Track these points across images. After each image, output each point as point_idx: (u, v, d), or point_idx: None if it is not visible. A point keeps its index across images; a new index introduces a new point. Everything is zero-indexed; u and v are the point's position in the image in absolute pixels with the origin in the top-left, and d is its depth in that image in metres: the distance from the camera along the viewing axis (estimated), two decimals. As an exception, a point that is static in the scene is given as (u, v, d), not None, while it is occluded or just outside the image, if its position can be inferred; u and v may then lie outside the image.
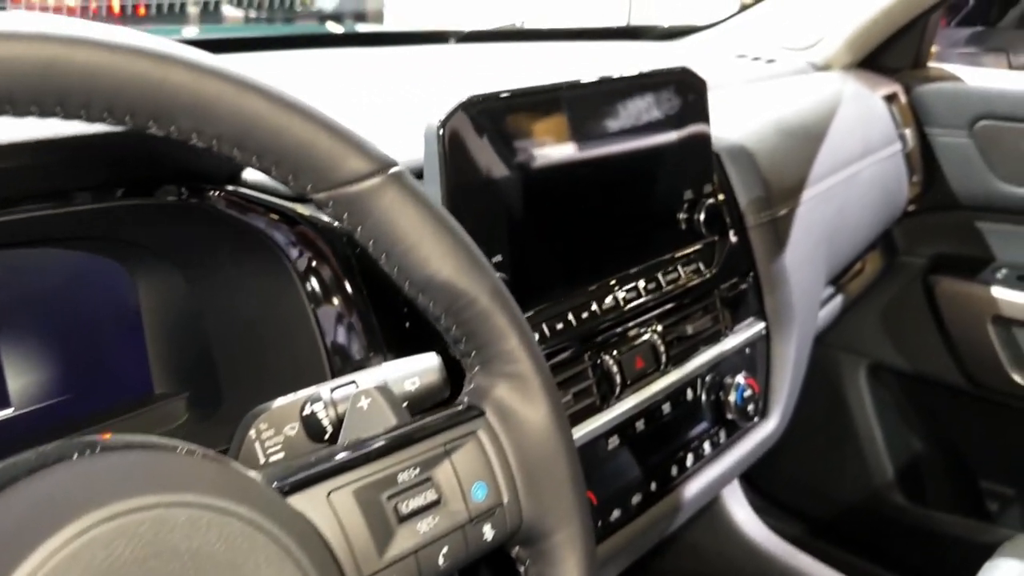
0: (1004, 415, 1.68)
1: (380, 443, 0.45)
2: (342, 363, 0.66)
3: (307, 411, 0.56)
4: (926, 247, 1.73)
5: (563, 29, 1.76)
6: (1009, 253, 1.65)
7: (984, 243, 1.67)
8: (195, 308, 0.70)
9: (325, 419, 0.56)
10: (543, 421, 0.48)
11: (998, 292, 1.59)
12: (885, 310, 1.78)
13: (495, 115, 0.69)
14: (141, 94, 0.37)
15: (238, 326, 0.69)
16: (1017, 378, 1.60)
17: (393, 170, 0.45)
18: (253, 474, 0.42)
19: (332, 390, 0.57)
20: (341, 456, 0.44)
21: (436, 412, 0.49)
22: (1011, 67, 1.87)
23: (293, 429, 0.57)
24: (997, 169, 1.60)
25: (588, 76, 0.79)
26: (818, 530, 1.92)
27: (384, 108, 0.93)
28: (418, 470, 0.45)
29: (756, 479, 1.99)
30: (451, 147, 0.66)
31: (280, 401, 0.57)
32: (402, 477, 0.44)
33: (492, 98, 0.69)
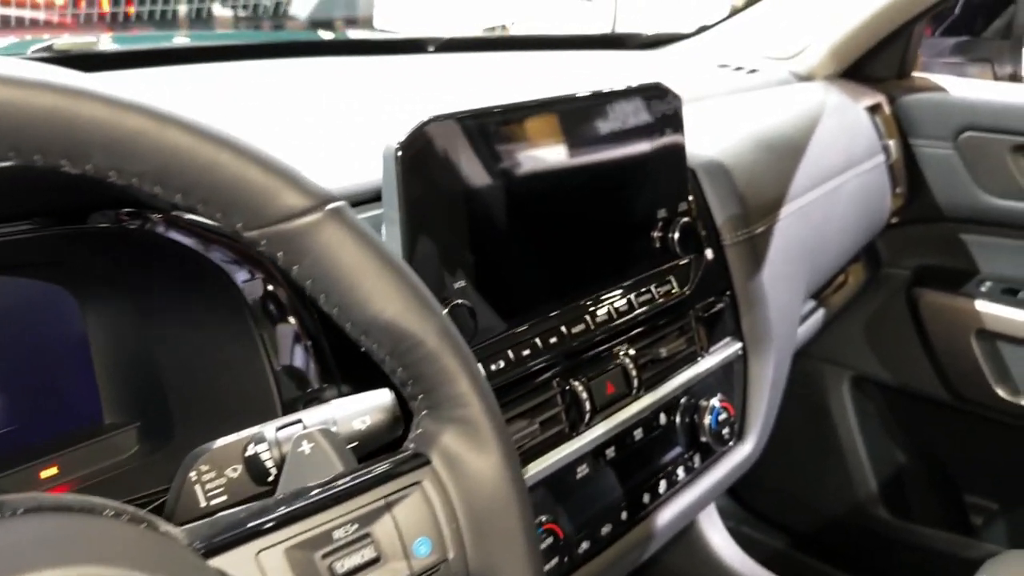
0: (988, 429, 1.67)
1: (316, 497, 0.43)
2: (294, 394, 0.63)
3: (250, 452, 0.54)
4: (910, 259, 1.71)
5: (543, 37, 1.73)
6: (993, 266, 1.64)
7: (968, 255, 1.66)
8: (144, 335, 0.68)
9: (269, 460, 0.54)
10: (493, 469, 0.46)
11: (982, 306, 1.57)
12: (869, 322, 1.76)
13: (456, 136, 0.67)
14: (51, 131, 0.34)
15: (188, 354, 0.66)
16: (1001, 392, 1.58)
17: (331, 205, 0.43)
18: (177, 533, 0.39)
19: (277, 430, 0.55)
20: (273, 511, 0.41)
21: (381, 459, 0.46)
22: (996, 78, 1.85)
23: (236, 471, 0.54)
24: (981, 181, 1.58)
25: (557, 94, 0.77)
26: (802, 543, 1.90)
27: (349, 126, 0.91)
28: (356, 526, 0.42)
29: (740, 492, 1.98)
30: (410, 169, 0.63)
31: (222, 441, 0.55)
32: (338, 534, 0.42)
33: (453, 118, 0.66)
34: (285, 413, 0.64)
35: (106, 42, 1.38)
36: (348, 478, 0.44)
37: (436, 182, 0.65)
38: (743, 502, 1.98)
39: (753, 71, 1.50)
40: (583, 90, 0.80)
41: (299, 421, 0.55)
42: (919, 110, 1.62)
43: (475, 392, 0.46)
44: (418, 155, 0.64)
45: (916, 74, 1.71)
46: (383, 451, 0.50)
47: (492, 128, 0.69)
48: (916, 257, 1.70)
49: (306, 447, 0.48)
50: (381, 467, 0.45)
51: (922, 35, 1.69)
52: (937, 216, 1.64)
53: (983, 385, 1.60)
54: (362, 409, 0.55)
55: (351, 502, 0.43)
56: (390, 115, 0.90)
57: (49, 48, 1.08)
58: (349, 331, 0.45)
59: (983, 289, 1.60)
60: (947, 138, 1.60)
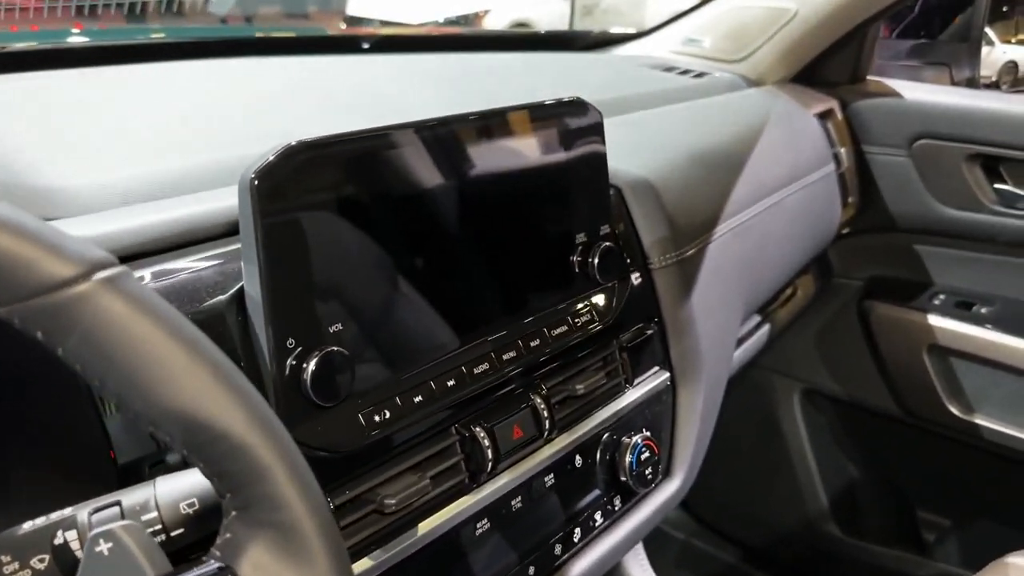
0: (940, 445, 1.62)
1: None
2: (133, 457, 0.55)
3: (59, 540, 0.47)
4: (862, 270, 1.66)
5: (485, 36, 1.66)
6: (947, 278, 1.59)
7: (922, 267, 1.61)
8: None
9: (79, 551, 0.46)
10: None
11: (935, 320, 1.52)
12: (819, 334, 1.71)
13: (328, 163, 0.59)
14: None
15: (22, 413, 0.59)
16: (954, 409, 1.54)
17: (102, 274, 0.35)
18: None
19: (91, 513, 0.47)
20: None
21: (179, 570, 0.39)
22: (953, 82, 1.80)
23: (43, 561, 0.47)
24: (936, 191, 1.53)
25: (459, 112, 0.70)
26: (752, 558, 1.86)
27: (250, 137, 0.83)
28: None
29: (690, 504, 1.93)
30: (269, 201, 0.56)
31: (28, 526, 0.47)
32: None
33: (322, 144, 0.59)
34: (123, 482, 0.56)
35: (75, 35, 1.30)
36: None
37: (303, 214, 0.58)
38: (693, 514, 1.93)
39: (700, 75, 1.44)
40: (489, 107, 0.72)
41: (117, 503, 0.48)
42: (873, 116, 1.56)
43: (294, 491, 0.39)
44: (280, 184, 0.56)
45: (871, 78, 1.66)
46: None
47: (374, 153, 0.62)
48: (868, 268, 1.65)
49: (103, 547, 0.41)
50: (173, 583, 0.37)
51: (877, 38, 1.64)
52: (890, 226, 1.59)
53: (935, 401, 1.55)
54: (191, 490, 0.48)
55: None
56: (296, 127, 0.82)
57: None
58: (138, 423, 0.37)
59: (936, 303, 1.56)
60: (901, 145, 1.54)
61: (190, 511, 0.47)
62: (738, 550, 1.87)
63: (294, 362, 0.58)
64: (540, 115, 0.76)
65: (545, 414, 0.77)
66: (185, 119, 0.88)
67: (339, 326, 0.60)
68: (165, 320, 0.36)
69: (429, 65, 1.34)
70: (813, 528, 1.77)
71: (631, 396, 0.88)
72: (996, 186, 1.50)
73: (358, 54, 1.40)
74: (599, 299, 0.84)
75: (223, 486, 0.39)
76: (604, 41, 1.68)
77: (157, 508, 0.47)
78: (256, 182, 0.55)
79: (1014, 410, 1.47)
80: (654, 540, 1.09)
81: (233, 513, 0.39)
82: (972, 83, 1.70)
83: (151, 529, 0.48)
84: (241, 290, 0.59)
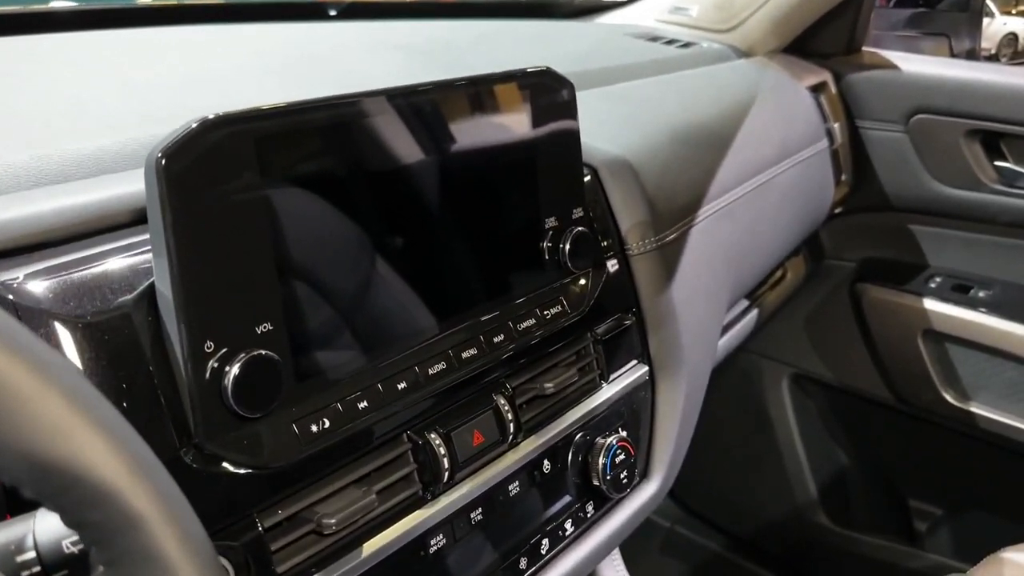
0: (934, 434, 1.56)
1: None
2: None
3: (-86, 585, 0.40)
4: (855, 251, 1.59)
5: (462, 2, 1.57)
6: (944, 259, 1.52)
7: (918, 248, 1.54)
8: None
9: (-60, 598, 0.39)
10: None
11: (930, 304, 1.46)
12: (810, 317, 1.64)
13: (249, 140, 0.51)
14: None
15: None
16: (948, 397, 1.48)
17: None
18: None
19: (-44, 553, 0.40)
20: None
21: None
22: (953, 54, 1.73)
23: None
24: (933, 168, 1.46)
25: (410, 83, 0.62)
26: (739, 547, 1.81)
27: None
28: None
29: (677, 492, 1.87)
30: (180, 186, 0.48)
31: None
32: None
33: (242, 119, 0.51)
34: (13, 509, 0.49)
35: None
36: None
37: (221, 199, 0.50)
38: (679, 502, 1.88)
39: (686, 45, 1.36)
40: (453, 78, 0.65)
41: (-12, 541, 0.41)
42: (868, 89, 1.49)
43: (172, 542, 0.32)
44: (193, 165, 0.49)
45: (866, 49, 1.58)
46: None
47: (301, 128, 0.54)
48: (862, 249, 1.59)
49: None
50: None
51: (873, 6, 1.56)
52: (885, 206, 1.53)
53: (929, 388, 1.49)
54: (75, 525, 0.41)
55: None
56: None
57: None
58: None
59: (932, 286, 1.49)
60: (897, 121, 1.47)
61: (75, 550, 0.40)
62: (724, 539, 1.82)
63: (215, 365, 0.51)
64: (502, 86, 0.68)
65: (509, 416, 0.70)
66: (122, 92, 0.80)
67: (268, 326, 0.53)
68: (5, 336, 0.29)
69: (399, 33, 1.26)
70: (802, 517, 1.71)
71: (606, 393, 0.81)
72: (996, 163, 1.43)
73: (327, 21, 1.32)
74: (571, 289, 0.77)
75: (87, 537, 0.32)
76: (587, 8, 1.60)
77: (35, 547, 0.40)
78: (164, 162, 0.48)
79: (1012, 399, 1.41)
80: (637, 529, 1.03)
81: (100, 568, 0.32)
82: (972, 55, 1.63)
83: (28, 572, 0.41)
84: (152, 287, 0.51)
